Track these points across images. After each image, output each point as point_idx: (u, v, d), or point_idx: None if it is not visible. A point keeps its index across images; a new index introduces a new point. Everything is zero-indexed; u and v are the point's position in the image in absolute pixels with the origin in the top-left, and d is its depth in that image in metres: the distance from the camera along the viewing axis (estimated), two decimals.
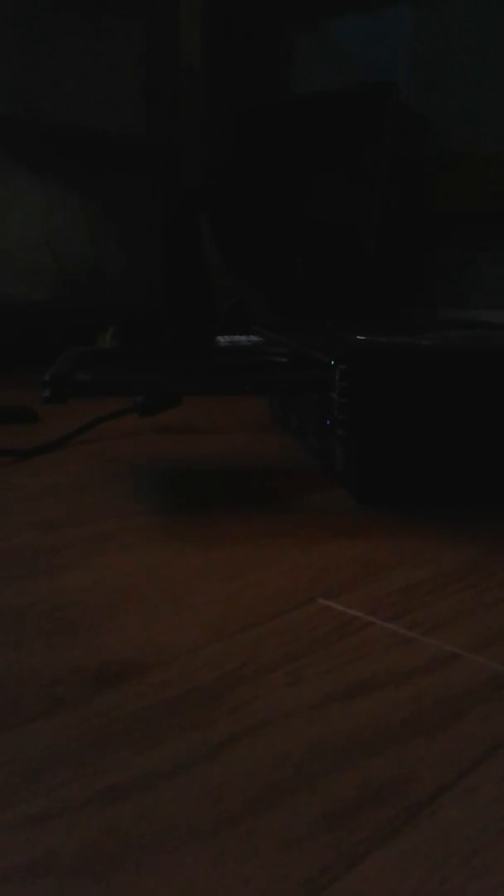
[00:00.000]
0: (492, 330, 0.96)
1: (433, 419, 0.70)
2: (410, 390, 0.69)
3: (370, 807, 0.31)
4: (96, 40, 1.79)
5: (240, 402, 1.25)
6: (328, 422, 0.71)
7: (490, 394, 0.70)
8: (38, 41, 1.69)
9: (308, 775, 0.33)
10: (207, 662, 0.43)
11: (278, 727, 0.37)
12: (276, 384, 0.75)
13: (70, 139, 1.74)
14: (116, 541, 0.62)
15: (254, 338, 0.96)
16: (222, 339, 0.95)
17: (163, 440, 0.98)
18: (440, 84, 1.69)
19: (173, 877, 0.28)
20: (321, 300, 1.60)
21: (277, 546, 0.61)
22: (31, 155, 1.72)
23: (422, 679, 0.41)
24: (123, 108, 1.85)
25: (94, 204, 1.82)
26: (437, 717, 0.38)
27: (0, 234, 1.69)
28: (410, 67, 1.73)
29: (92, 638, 0.45)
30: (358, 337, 0.81)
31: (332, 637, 0.46)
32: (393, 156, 1.60)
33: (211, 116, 2.02)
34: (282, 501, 0.73)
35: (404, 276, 1.74)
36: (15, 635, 0.46)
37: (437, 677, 0.41)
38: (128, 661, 0.43)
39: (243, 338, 0.96)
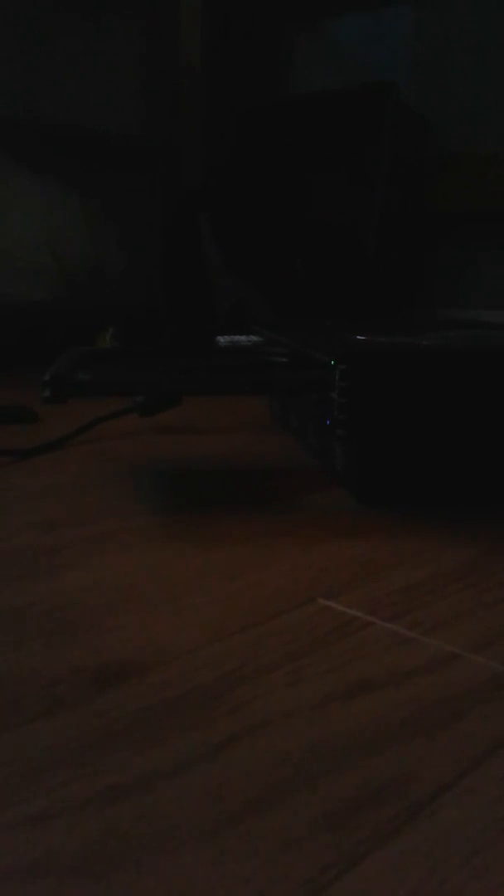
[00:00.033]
0: (492, 330, 0.96)
1: (433, 419, 0.70)
2: (410, 390, 0.69)
3: (370, 807, 0.31)
4: (96, 40, 1.79)
5: (240, 402, 1.25)
6: (328, 422, 0.71)
7: (490, 394, 0.70)
8: (38, 41, 1.69)
9: (308, 775, 0.33)
10: (207, 662, 0.43)
11: (278, 727, 0.37)
12: (276, 384, 0.75)
13: (70, 139, 1.74)
14: (116, 541, 0.62)
15: (254, 338, 0.96)
16: (222, 339, 0.95)
17: (163, 440, 0.98)
18: (440, 84, 1.69)
19: (173, 877, 0.28)
20: (321, 300, 1.60)
21: (277, 546, 0.61)
22: (31, 155, 1.72)
23: (422, 679, 0.41)
24: (123, 108, 1.85)
25: (94, 204, 1.82)
26: (437, 717, 0.38)
27: (0, 234, 1.69)
28: (410, 67, 1.73)
29: (92, 638, 0.45)
30: (358, 337, 0.81)
31: (332, 637, 0.46)
32: (393, 156, 1.60)
33: (211, 116, 2.02)
34: (282, 501, 0.73)
35: (404, 276, 1.74)
36: (15, 635, 0.46)
37: (437, 677, 0.41)
38: (128, 661, 0.43)
39: (243, 338, 0.96)
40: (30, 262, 1.73)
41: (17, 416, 1.07)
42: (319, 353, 0.72)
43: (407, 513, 0.69)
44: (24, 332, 1.67)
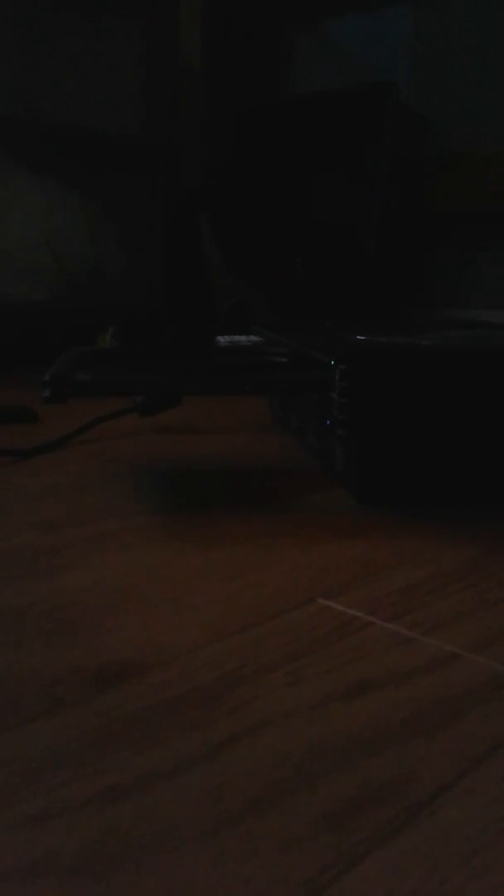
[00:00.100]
0: (492, 330, 0.96)
1: (433, 419, 0.70)
2: (410, 390, 0.69)
3: (370, 807, 0.31)
4: (96, 40, 1.79)
5: (240, 402, 1.25)
6: (328, 422, 0.71)
7: (490, 394, 0.70)
8: (38, 41, 1.69)
9: (308, 775, 0.33)
10: (207, 662, 0.43)
11: (278, 727, 0.37)
12: (276, 384, 0.75)
13: (70, 139, 1.74)
14: (116, 541, 0.62)
15: (254, 338, 0.96)
16: (222, 339, 0.95)
17: (163, 440, 0.98)
18: (440, 84, 1.69)
19: (173, 877, 0.28)
20: (321, 300, 1.60)
21: (277, 546, 0.61)
22: (31, 155, 1.72)
23: (422, 679, 0.41)
24: (123, 108, 1.85)
25: (94, 204, 1.82)
26: (437, 717, 0.38)
27: (0, 234, 1.69)
28: (410, 67, 1.73)
29: (92, 638, 0.45)
30: (358, 337, 0.81)
31: (332, 637, 0.46)
32: (393, 156, 1.60)
33: (211, 116, 2.02)
34: (282, 501, 0.73)
35: (404, 276, 1.74)
36: (15, 635, 0.46)
37: (437, 677, 0.41)
38: (128, 661, 0.43)
39: (243, 338, 0.96)
40: (30, 262, 1.73)
41: (17, 416, 1.07)
42: (319, 353, 0.72)
43: (407, 513, 0.69)
44: (24, 332, 1.67)
